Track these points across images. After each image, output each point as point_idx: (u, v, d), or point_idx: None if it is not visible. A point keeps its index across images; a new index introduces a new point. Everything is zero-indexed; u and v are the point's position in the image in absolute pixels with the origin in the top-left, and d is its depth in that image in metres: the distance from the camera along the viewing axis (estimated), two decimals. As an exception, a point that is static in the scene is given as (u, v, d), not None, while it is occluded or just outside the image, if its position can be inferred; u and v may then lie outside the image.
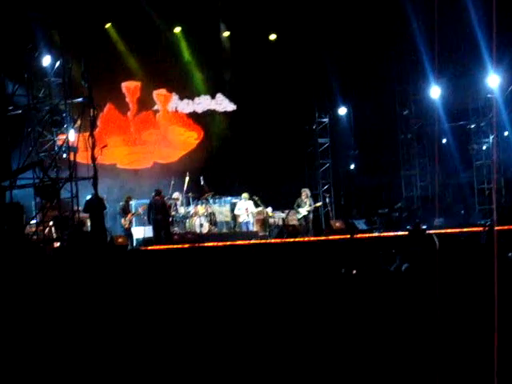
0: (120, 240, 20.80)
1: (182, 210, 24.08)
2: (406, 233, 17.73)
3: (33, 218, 20.66)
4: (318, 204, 25.98)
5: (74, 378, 8.37)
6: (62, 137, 20.77)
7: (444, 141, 27.99)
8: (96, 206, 20.37)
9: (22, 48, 20.60)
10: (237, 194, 25.16)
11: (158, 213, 22.26)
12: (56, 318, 11.16)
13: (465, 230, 20.38)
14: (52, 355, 9.16)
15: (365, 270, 15.59)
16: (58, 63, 20.80)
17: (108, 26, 26.11)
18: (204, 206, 24.28)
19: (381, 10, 26.79)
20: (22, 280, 14.11)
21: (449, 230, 20.60)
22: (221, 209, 25.53)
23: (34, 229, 20.28)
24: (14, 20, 20.23)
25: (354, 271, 15.68)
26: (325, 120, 30.16)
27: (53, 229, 21.10)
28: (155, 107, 28.03)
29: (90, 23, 22.69)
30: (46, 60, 21.02)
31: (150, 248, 20.54)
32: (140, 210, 23.44)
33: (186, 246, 20.54)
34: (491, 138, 26.79)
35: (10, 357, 9.17)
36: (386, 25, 27.39)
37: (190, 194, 24.53)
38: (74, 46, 20.87)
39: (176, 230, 23.48)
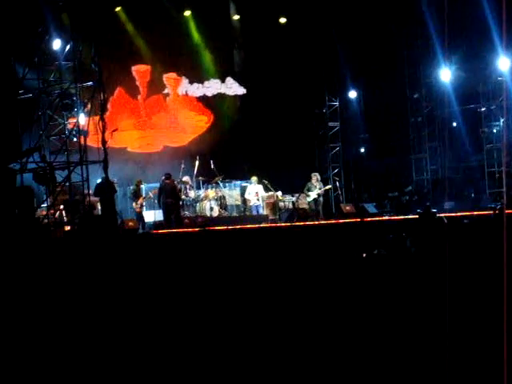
0: (130, 223, 20.87)
1: (192, 194, 24.12)
2: (417, 216, 17.76)
3: (43, 202, 20.70)
4: (328, 187, 25.96)
5: (82, 361, 8.41)
6: (73, 120, 20.83)
7: (454, 124, 27.95)
8: (106, 189, 20.41)
9: (33, 31, 20.60)
10: (247, 177, 25.19)
11: (168, 196, 22.26)
12: (66, 301, 11.22)
13: (475, 213, 20.36)
14: (61, 337, 9.21)
15: (375, 253, 15.65)
16: (68, 47, 20.77)
17: (118, 9, 26.12)
18: (214, 189, 24.33)
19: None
20: (32, 263, 14.19)
21: (459, 214, 20.58)
22: (231, 192, 25.60)
23: (44, 212, 20.33)
24: (24, 3, 20.22)
25: (364, 254, 15.75)
26: (335, 103, 30.12)
27: (63, 212, 21.17)
28: (165, 91, 28.06)
29: (100, 7, 22.64)
30: (57, 44, 21.03)
31: (160, 231, 20.59)
32: (151, 194, 23.52)
33: (196, 229, 20.59)
34: (501, 121, 26.70)
35: (18, 339, 9.23)
36: (397, 8, 27.29)
37: (200, 178, 24.58)
38: (85, 29, 20.84)
39: (186, 213, 23.55)
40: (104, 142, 19.75)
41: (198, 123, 28.58)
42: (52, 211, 20.32)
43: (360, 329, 9.04)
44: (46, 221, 20.01)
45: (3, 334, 9.34)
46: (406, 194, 27.78)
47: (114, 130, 21.24)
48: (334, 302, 10.53)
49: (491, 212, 17.97)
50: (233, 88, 28.95)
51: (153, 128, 27.90)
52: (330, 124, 29.94)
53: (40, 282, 12.68)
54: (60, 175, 20.16)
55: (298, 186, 25.38)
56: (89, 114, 20.82)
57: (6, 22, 19.75)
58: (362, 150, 30.88)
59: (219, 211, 23.93)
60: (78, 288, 12.22)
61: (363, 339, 8.60)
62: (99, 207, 21.29)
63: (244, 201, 25.05)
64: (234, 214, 25.15)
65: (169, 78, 27.95)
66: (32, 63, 20.64)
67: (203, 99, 28.58)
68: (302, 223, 22.22)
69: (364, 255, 15.72)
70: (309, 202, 24.54)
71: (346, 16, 27.50)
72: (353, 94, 30.30)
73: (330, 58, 28.60)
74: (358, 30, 27.88)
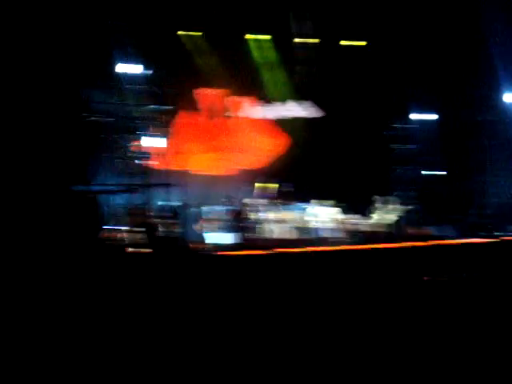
0: (195, 245, 21.00)
1: (260, 216, 24.09)
2: (483, 240, 17.47)
3: (112, 223, 20.99)
4: (397, 208, 25.65)
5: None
6: (137, 143, 21.09)
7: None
8: (176, 211, 20.60)
9: (101, 55, 20.97)
10: (314, 199, 25.04)
11: (236, 218, 22.35)
12: (137, 321, 11.31)
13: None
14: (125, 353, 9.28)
15: (439, 276, 15.41)
16: (135, 70, 21.08)
17: (183, 32, 26.34)
18: (280, 211, 24.27)
19: (462, 13, 26.49)
20: (100, 284, 14.34)
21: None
22: (297, 215, 25.43)
23: (113, 234, 20.59)
24: (93, 28, 20.61)
25: (427, 278, 15.51)
26: (409, 125, 29.88)
27: (131, 234, 21.40)
28: (230, 113, 28.16)
29: (164, 30, 22.90)
30: (124, 67, 21.36)
31: (225, 253, 20.61)
32: (219, 216, 23.59)
33: (261, 251, 20.56)
34: None
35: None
36: (468, 30, 27.00)
37: (266, 200, 24.55)
38: (151, 53, 21.14)
39: (251, 235, 23.52)
40: (169, 165, 19.97)
41: (265, 145, 28.58)
42: (119, 233, 20.58)
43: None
44: (113, 242, 20.26)
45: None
46: (474, 217, 27.33)
47: (178, 153, 21.45)
48: (396, 326, 10.39)
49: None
50: (303, 109, 28.91)
51: (217, 150, 27.96)
52: (404, 145, 29.69)
53: (111, 304, 12.81)
54: (124, 198, 20.44)
55: (367, 207, 25.17)
56: (154, 137, 21.07)
57: (73, 45, 20.15)
58: (434, 172, 30.47)
59: (285, 233, 23.85)
60: (147, 308, 12.32)
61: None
62: (163, 229, 21.42)
63: (310, 223, 24.90)
64: (300, 236, 24.99)
65: (234, 100, 28.06)
66: (100, 86, 20.99)
67: (271, 121, 28.60)
68: (367, 246, 22.01)
69: (425, 279, 15.50)
70: (375, 225, 24.30)
71: (419, 37, 27.32)
72: (427, 116, 29.99)
73: (404, 79, 28.38)
74: (433, 51, 27.64)
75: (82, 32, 20.49)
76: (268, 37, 27.67)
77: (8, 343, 9.69)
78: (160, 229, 21.17)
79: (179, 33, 26.31)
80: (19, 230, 17.99)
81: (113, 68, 21.22)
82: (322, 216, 24.21)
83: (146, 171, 20.76)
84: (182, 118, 26.96)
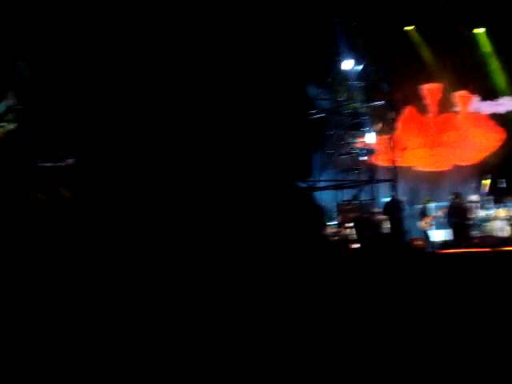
0: (418, 242, 20.87)
1: (481, 213, 23.59)
2: None
3: (333, 220, 21.21)
4: None
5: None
6: (362, 139, 21.17)
7: None
8: (395, 207, 20.55)
9: (325, 52, 21.19)
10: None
11: (457, 216, 22.02)
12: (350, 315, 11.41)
13: None
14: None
15: None
16: (359, 67, 21.15)
17: (409, 28, 26.15)
18: (505, 209, 23.64)
19: None
20: (321, 280, 14.58)
21: None
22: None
23: (334, 230, 20.82)
24: (317, 25, 20.85)
25: None
26: None
27: (353, 230, 21.55)
28: (456, 109, 27.68)
29: (391, 26, 22.80)
30: (348, 64, 21.48)
31: (448, 251, 20.37)
32: (439, 213, 23.32)
33: (486, 250, 20.16)
34: None
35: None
36: None
37: (490, 197, 23.99)
38: (376, 49, 21.12)
39: (475, 233, 23.08)
40: (393, 161, 19.93)
41: (489, 141, 27.87)
42: (342, 229, 20.78)
43: None
44: (335, 238, 20.49)
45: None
46: None
47: (403, 149, 21.36)
48: None
49: None
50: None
51: (442, 146, 27.55)
52: None
53: (334, 299, 12.99)
54: (350, 193, 20.61)
55: None
56: (378, 133, 21.07)
57: (297, 43, 20.48)
58: None
59: (510, 231, 23.22)
60: (367, 303, 12.40)
61: None
62: (387, 225, 21.44)
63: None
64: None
65: (459, 95, 27.56)
66: (324, 83, 21.22)
67: (495, 116, 27.85)
68: None
69: None
70: None
71: None
72: None
73: None
74: None
75: (307, 30, 20.76)
76: (486, 30, 27.06)
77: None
78: (380, 225, 21.20)
79: (405, 28, 26.18)
80: (248, 225, 18.57)
81: (337, 65, 21.40)
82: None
83: (368, 167, 20.78)
84: (405, 114, 26.82)
